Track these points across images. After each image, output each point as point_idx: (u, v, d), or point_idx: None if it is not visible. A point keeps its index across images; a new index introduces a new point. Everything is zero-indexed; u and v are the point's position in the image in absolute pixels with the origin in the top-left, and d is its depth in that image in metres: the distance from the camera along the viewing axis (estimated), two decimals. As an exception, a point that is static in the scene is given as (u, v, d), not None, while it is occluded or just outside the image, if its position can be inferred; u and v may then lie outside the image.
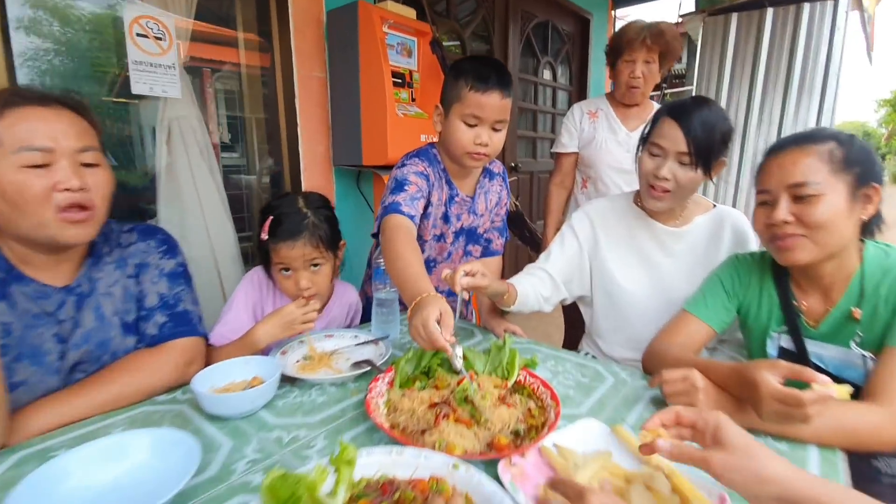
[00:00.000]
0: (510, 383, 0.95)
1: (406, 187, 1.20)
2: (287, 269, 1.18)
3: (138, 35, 1.49)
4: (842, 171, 0.89)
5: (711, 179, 1.15)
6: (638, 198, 1.31)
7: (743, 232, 1.22)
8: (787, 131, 3.84)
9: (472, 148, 1.19)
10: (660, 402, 0.92)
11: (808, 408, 0.72)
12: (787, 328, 1.02)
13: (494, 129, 1.20)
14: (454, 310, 1.00)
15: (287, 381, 0.99)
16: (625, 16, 4.85)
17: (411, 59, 1.99)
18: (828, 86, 3.63)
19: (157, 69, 1.55)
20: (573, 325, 2.06)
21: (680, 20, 4.18)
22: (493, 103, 1.16)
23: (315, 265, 1.20)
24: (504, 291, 1.16)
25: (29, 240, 0.84)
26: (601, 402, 0.94)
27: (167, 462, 0.67)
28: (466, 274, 1.01)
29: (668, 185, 1.15)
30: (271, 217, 1.16)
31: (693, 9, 4.14)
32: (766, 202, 0.97)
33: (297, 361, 1.08)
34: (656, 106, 1.96)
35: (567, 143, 2.01)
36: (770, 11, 3.67)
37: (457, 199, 1.35)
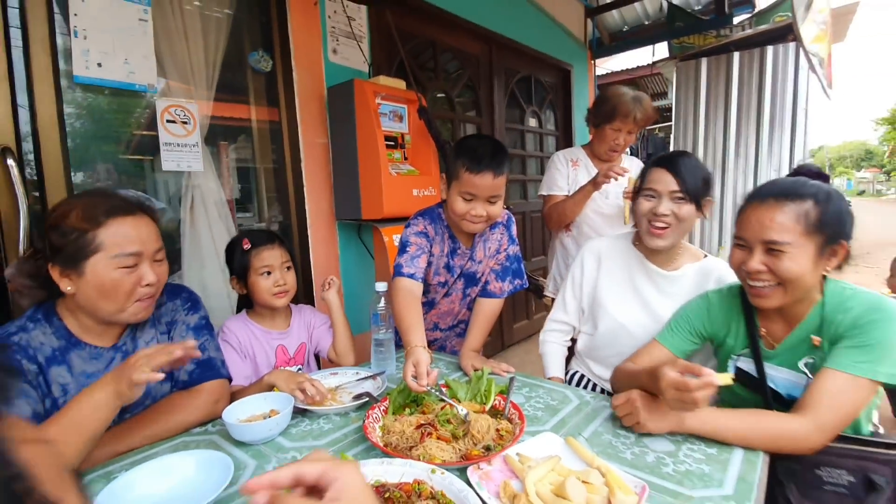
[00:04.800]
0: (487, 407, 1.12)
1: (407, 248, 1.45)
2: (268, 273, 1.42)
3: (168, 122, 1.76)
4: (814, 233, 0.98)
5: (704, 216, 1.32)
6: (637, 240, 1.43)
7: (725, 283, 1.29)
8: (764, 164, 4.05)
9: (469, 217, 1.37)
10: (615, 419, 1.09)
11: (694, 392, 0.87)
12: (748, 351, 1.14)
13: (489, 202, 1.37)
14: None
15: (298, 412, 1.17)
16: (603, 63, 5.23)
17: (402, 123, 2.25)
18: (797, 120, 3.86)
19: (182, 149, 1.80)
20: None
21: (655, 64, 4.52)
22: (486, 183, 1.32)
23: (287, 267, 1.47)
24: None
25: (102, 318, 1.05)
26: (563, 420, 1.11)
27: (207, 476, 0.85)
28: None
29: (668, 220, 1.28)
30: (245, 238, 1.44)
31: (667, 54, 4.47)
32: (741, 246, 1.08)
33: (308, 396, 1.26)
34: (625, 156, 2.17)
35: (564, 185, 2.16)
36: (736, 55, 3.96)
37: (458, 251, 1.54)
